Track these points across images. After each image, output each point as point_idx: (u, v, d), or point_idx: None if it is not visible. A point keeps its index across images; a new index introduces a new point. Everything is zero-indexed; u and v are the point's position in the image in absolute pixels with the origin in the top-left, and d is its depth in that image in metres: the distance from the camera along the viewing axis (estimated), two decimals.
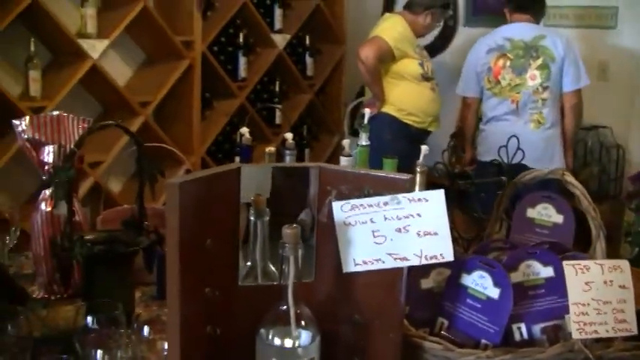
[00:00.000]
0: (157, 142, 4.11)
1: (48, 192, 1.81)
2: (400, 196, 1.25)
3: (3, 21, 3.59)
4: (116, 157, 4.16)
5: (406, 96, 4.37)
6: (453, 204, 1.92)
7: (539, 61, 4.12)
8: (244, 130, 2.11)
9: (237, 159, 4.65)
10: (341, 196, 1.30)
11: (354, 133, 4.96)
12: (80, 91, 4.19)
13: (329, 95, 5.63)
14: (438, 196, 1.26)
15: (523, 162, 2.08)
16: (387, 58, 4.30)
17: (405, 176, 1.29)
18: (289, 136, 2.06)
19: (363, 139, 2.04)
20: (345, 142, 2.07)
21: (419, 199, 1.25)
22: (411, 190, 1.29)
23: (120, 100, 4.26)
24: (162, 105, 4.47)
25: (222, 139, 4.90)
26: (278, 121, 5.20)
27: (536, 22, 4.28)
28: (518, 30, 4.23)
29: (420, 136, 4.28)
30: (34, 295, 1.83)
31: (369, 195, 1.28)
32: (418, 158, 1.94)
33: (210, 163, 4.70)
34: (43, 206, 1.84)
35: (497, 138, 2.12)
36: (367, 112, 2.26)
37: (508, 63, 4.19)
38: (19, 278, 1.84)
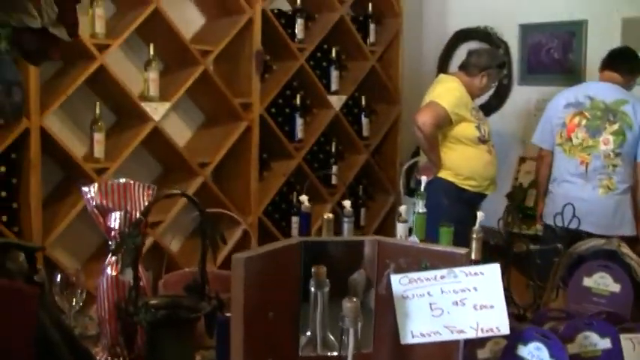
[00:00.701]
0: (215, 202, 4.21)
1: (114, 257, 1.87)
2: (457, 270, 1.28)
3: (71, 86, 3.72)
4: (175, 216, 4.23)
5: (463, 161, 4.27)
6: (510, 267, 1.92)
7: (616, 127, 4.01)
8: (304, 197, 2.15)
9: (294, 219, 4.73)
10: (399, 269, 1.33)
11: (410, 193, 4.97)
12: (141, 152, 4.28)
13: (384, 155, 5.64)
14: (494, 270, 1.29)
15: (591, 227, 2.03)
16: (444, 123, 4.20)
17: (461, 250, 1.32)
18: (347, 203, 2.10)
19: (420, 206, 2.06)
20: (402, 208, 2.10)
21: (475, 273, 1.28)
22: (467, 261, 1.32)
23: (180, 161, 4.34)
24: (221, 165, 4.54)
25: (279, 199, 4.94)
26: (334, 181, 5.22)
27: (626, 83, 4.16)
28: (602, 90, 4.13)
29: (476, 199, 4.18)
30: (97, 357, 1.89)
31: (426, 268, 1.31)
32: (474, 222, 1.95)
33: (267, 223, 4.75)
34: (108, 270, 1.90)
35: (564, 202, 2.09)
36: (424, 179, 2.28)
37: (584, 122, 4.09)
38: (83, 339, 1.89)
